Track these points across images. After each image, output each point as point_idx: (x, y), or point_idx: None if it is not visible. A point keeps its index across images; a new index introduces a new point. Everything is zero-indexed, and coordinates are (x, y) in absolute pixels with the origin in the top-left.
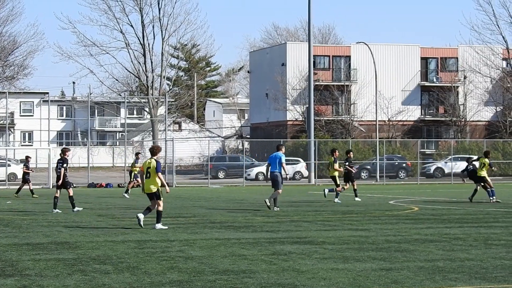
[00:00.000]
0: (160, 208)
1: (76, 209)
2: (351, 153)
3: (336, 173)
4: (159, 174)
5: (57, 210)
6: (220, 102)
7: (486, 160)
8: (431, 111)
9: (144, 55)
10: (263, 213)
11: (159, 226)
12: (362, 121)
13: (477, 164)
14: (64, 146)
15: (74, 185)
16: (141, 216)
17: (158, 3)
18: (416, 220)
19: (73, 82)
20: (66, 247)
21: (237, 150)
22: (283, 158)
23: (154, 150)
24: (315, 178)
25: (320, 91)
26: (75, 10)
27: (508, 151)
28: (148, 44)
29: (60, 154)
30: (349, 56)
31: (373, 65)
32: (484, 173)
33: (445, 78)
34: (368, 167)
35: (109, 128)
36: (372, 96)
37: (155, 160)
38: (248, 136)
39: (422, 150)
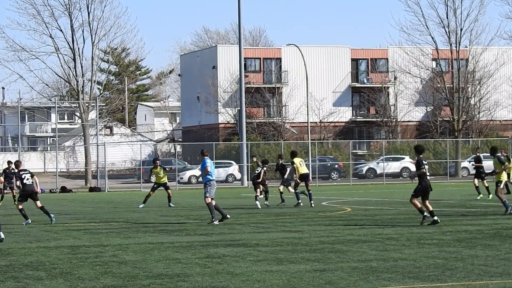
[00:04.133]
0: None
1: None
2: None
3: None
4: None
5: None
6: (151, 105)
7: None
8: (362, 112)
9: (74, 60)
10: (196, 216)
11: None
12: (293, 123)
13: None
14: None
15: (6, 191)
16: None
17: (87, 7)
18: (349, 221)
19: (3, 88)
20: None
21: (169, 154)
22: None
23: None
24: (247, 180)
25: (252, 94)
26: (3, 14)
27: (439, 151)
28: (78, 48)
29: None
30: (280, 58)
31: (304, 67)
32: None
33: (376, 79)
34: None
35: (40, 134)
36: (303, 97)
37: None
38: (180, 140)
39: (354, 151)
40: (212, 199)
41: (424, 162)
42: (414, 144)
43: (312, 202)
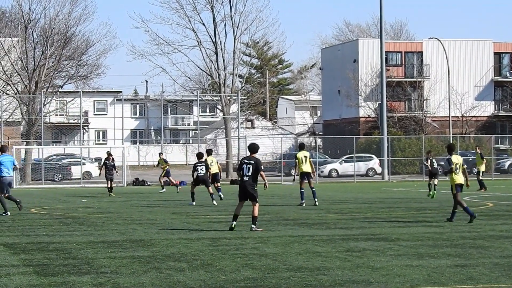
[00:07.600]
0: None
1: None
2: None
3: None
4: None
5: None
6: (292, 99)
7: None
8: (505, 106)
9: (216, 53)
10: (336, 210)
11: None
12: (435, 117)
13: None
14: (138, 144)
15: (148, 183)
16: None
17: (230, 1)
18: (491, 216)
19: (146, 81)
20: (141, 244)
21: (309, 147)
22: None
23: None
24: (388, 174)
25: (393, 87)
26: (147, 9)
27: None
28: (220, 42)
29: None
30: (421, 52)
31: (445, 60)
32: None
33: None
34: (442, 163)
35: (182, 126)
36: (445, 92)
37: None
38: (321, 133)
39: (496, 145)
40: (4, 194)
41: (246, 161)
42: None
43: (316, 200)
